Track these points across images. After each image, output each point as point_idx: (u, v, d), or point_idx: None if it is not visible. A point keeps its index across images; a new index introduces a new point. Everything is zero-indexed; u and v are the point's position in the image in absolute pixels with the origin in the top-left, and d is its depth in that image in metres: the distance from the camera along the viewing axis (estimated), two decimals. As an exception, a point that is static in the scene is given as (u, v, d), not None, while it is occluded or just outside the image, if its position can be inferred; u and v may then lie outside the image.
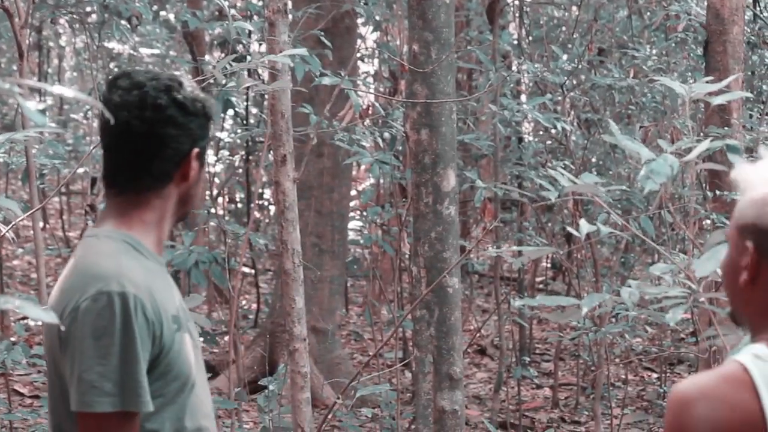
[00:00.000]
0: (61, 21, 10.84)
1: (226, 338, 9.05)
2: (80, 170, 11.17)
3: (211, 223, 9.13)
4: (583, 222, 2.78)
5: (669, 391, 2.08)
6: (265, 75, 5.66)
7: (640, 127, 8.50)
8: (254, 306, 10.98)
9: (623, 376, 9.04)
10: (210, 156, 11.81)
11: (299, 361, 4.27)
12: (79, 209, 14.90)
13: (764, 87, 9.43)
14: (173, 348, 2.40)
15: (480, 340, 10.31)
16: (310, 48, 6.03)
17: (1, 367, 5.66)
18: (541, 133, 10.49)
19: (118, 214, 2.48)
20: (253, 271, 11.36)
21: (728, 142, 3.01)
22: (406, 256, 7.06)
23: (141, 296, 2.33)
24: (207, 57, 9.55)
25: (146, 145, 2.43)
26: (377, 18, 9.04)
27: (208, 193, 10.96)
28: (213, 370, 8.39)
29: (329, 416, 5.56)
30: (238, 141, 11.44)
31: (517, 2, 9.58)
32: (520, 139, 10.04)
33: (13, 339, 7.87)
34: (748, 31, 8.49)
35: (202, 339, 8.78)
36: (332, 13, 8.01)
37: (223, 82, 3.66)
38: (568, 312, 2.70)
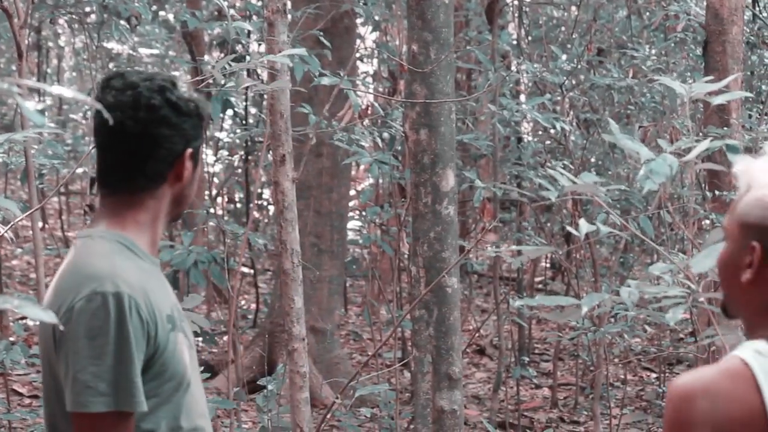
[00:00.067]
0: (60, 21, 10.84)
1: (225, 338, 9.05)
2: (79, 170, 11.18)
3: (210, 223, 9.13)
4: (582, 222, 2.78)
5: (669, 385, 2.08)
6: (264, 75, 5.66)
7: (639, 127, 8.50)
8: (253, 306, 10.98)
9: (622, 376, 9.05)
10: (209, 156, 11.82)
11: (298, 360, 4.27)
12: (78, 209, 14.91)
13: (763, 87, 9.43)
14: (168, 348, 2.40)
15: (479, 340, 10.31)
16: (309, 48, 6.03)
17: (0, 367, 5.66)
18: (540, 133, 10.49)
19: (112, 214, 2.48)
20: (252, 271, 11.36)
21: (727, 142, 3.02)
22: (405, 256, 7.06)
23: (135, 296, 2.33)
24: (206, 57, 9.55)
25: (140, 145, 2.43)
26: (376, 18, 9.04)
27: (207, 192, 10.96)
28: (212, 369, 8.38)
29: (328, 416, 5.56)
30: (237, 141, 11.44)
31: (516, 2, 9.58)
32: (519, 139, 10.05)
33: (12, 339, 7.87)
34: (747, 31, 8.50)
35: (201, 339, 8.82)
36: (331, 13, 8.01)
37: (222, 82, 3.66)
38: (567, 312, 2.70)
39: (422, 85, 5.05)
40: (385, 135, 7.25)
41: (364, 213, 9.30)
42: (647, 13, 9.91)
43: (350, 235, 10.11)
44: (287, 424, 5.55)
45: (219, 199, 12.61)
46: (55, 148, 6.63)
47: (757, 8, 9.20)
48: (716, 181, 6.46)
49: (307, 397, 4.32)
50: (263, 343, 8.46)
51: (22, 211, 3.92)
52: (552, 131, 8.60)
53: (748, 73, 8.98)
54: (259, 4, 7.91)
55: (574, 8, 10.47)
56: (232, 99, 6.24)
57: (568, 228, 3.38)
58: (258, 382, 6.32)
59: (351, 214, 10.15)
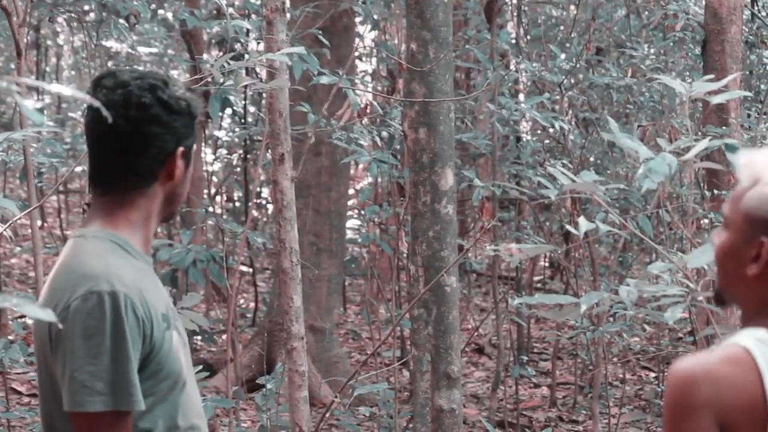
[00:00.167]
0: (59, 20, 10.83)
1: (224, 337, 9.05)
2: (78, 169, 11.16)
3: (209, 222, 9.14)
4: (582, 220, 2.78)
5: (670, 368, 2.09)
6: (263, 74, 5.66)
7: (638, 126, 8.50)
8: (252, 305, 10.98)
9: (621, 375, 9.05)
10: (208, 154, 11.82)
11: (297, 359, 4.27)
12: (77, 208, 14.90)
13: (762, 86, 9.44)
14: (163, 346, 2.40)
15: (478, 339, 10.31)
16: (308, 47, 6.03)
17: (-1, 366, 5.66)
18: (539, 132, 10.48)
19: (105, 213, 2.48)
20: (251, 270, 11.36)
21: (726, 141, 3.02)
22: (404, 255, 7.05)
23: (131, 295, 2.33)
24: (205, 56, 9.53)
25: (131, 143, 2.43)
26: (375, 17, 9.04)
27: (206, 191, 10.96)
28: (211, 368, 8.38)
29: (327, 415, 5.56)
30: (236, 140, 11.44)
31: (515, 1, 9.58)
32: (518, 138, 10.04)
33: (10, 337, 7.87)
34: (746, 30, 8.50)
35: (199, 337, 8.82)
36: (330, 11, 8.01)
37: (221, 80, 3.66)
38: (566, 310, 2.70)
39: (421, 84, 5.05)
40: (384, 134, 7.25)
41: (362, 212, 9.30)
42: (646, 13, 9.91)
43: (349, 234, 10.11)
44: (286, 422, 5.55)
45: (218, 198, 12.61)
46: (54, 147, 6.63)
47: (756, 8, 9.20)
48: (715, 180, 6.47)
49: (306, 396, 4.32)
50: (262, 342, 8.46)
51: (21, 209, 3.92)
52: (551, 130, 8.60)
53: (747, 72, 8.99)
54: (258, 2, 7.90)
55: (572, 7, 10.47)
56: (231, 98, 6.24)
57: (568, 227, 3.38)
58: (257, 381, 6.32)
59: (350, 212, 10.15)
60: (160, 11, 11.60)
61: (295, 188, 4.36)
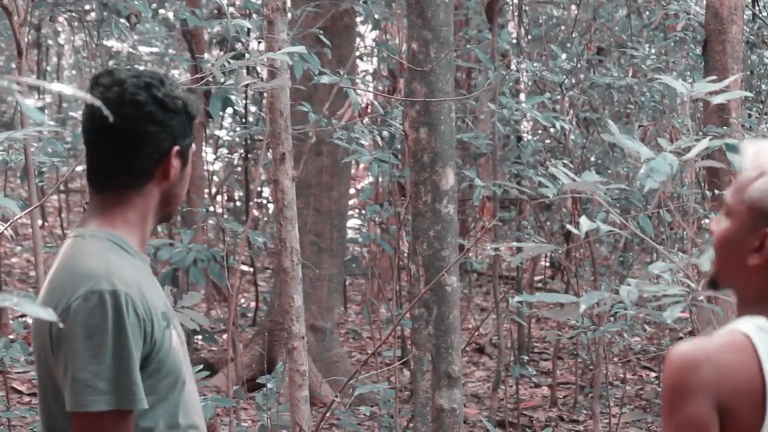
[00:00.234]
0: (60, 19, 10.83)
1: (225, 336, 9.05)
2: (79, 168, 11.16)
3: (210, 221, 9.14)
4: (583, 219, 2.78)
5: (670, 351, 2.10)
6: (264, 73, 5.66)
7: (639, 126, 8.50)
8: (253, 304, 10.98)
9: (622, 375, 9.05)
10: (209, 154, 11.81)
11: (297, 359, 4.27)
12: (77, 207, 14.91)
13: (763, 86, 9.44)
14: (164, 345, 2.40)
15: (478, 339, 10.31)
16: (309, 46, 6.03)
17: (0, 365, 5.65)
18: (539, 132, 10.49)
19: (101, 212, 2.48)
20: (251, 270, 11.36)
21: (727, 141, 3.01)
22: (405, 254, 7.05)
23: (132, 294, 2.33)
24: (206, 55, 9.54)
25: (125, 142, 2.43)
26: (376, 16, 9.04)
27: (207, 191, 10.96)
28: (211, 368, 8.38)
29: (327, 414, 5.56)
30: (237, 139, 11.44)
31: (516, 1, 9.58)
32: (519, 138, 10.04)
33: (11, 336, 7.87)
34: (747, 30, 8.50)
35: (200, 337, 8.82)
36: (331, 11, 8.01)
37: (222, 80, 3.66)
38: (567, 309, 2.70)
39: (422, 84, 5.04)
40: (385, 133, 7.25)
41: (363, 211, 9.30)
42: (647, 12, 9.91)
43: (350, 234, 10.11)
44: (287, 422, 5.55)
45: (219, 198, 12.61)
46: (55, 146, 6.63)
47: (757, 8, 9.20)
48: (716, 180, 6.46)
49: (307, 396, 4.32)
50: (263, 342, 8.46)
51: (22, 208, 3.92)
52: (552, 130, 8.60)
53: (748, 72, 8.99)
54: (259, 2, 7.90)
55: (573, 7, 10.46)
56: (232, 97, 6.24)
57: (569, 227, 3.37)
58: (257, 381, 6.32)
59: (351, 212, 10.15)
60: (161, 11, 11.61)
61: (295, 188, 4.36)
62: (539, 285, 12.04)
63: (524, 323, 9.38)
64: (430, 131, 5.05)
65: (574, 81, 8.69)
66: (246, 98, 10.76)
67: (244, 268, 11.16)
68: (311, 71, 5.66)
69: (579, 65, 8.44)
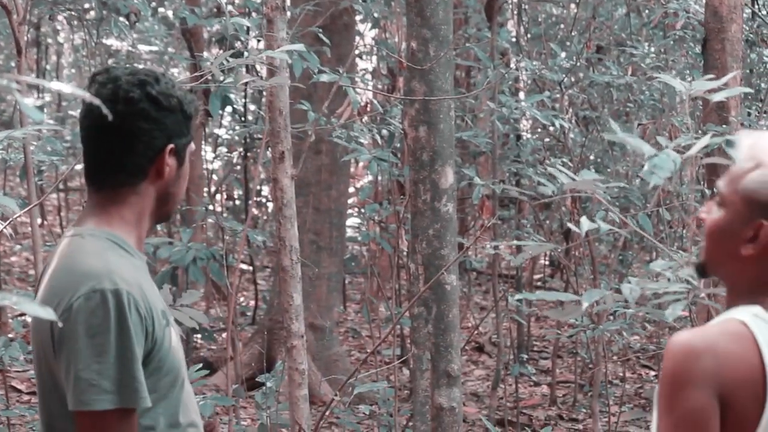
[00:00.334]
0: (60, 18, 10.82)
1: (224, 335, 9.05)
2: (78, 167, 11.14)
3: (209, 220, 9.12)
4: (584, 219, 2.78)
5: (669, 341, 2.10)
6: (264, 72, 5.66)
7: (638, 124, 8.50)
8: (252, 303, 10.98)
9: (621, 374, 9.05)
10: (208, 152, 11.81)
11: (297, 358, 4.27)
12: (77, 206, 14.90)
13: (762, 85, 9.44)
14: (164, 343, 2.40)
15: (478, 338, 10.31)
16: (309, 45, 6.02)
17: (-1, 364, 5.65)
18: (539, 130, 10.48)
19: (98, 211, 2.48)
20: (251, 268, 11.36)
21: (728, 138, 3.01)
22: (404, 253, 7.05)
23: (133, 293, 2.33)
24: (205, 54, 9.53)
25: (119, 139, 2.43)
26: (375, 15, 9.03)
27: (206, 189, 10.96)
28: (210, 366, 8.38)
29: (327, 413, 5.56)
30: (236, 138, 11.43)
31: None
32: (519, 137, 10.04)
33: (10, 335, 7.87)
34: (747, 29, 8.50)
35: (199, 336, 8.81)
36: (330, 10, 8.01)
37: (221, 78, 3.65)
38: (568, 309, 2.70)
39: (421, 83, 5.04)
40: (384, 132, 7.24)
41: (363, 210, 9.30)
42: (646, 11, 9.91)
43: (349, 232, 10.10)
44: (286, 421, 5.55)
45: (218, 196, 12.61)
46: (54, 145, 6.63)
47: (756, 6, 9.20)
48: (715, 178, 6.45)
49: (306, 394, 4.32)
50: (262, 340, 8.46)
51: (21, 207, 3.92)
52: (551, 129, 8.60)
53: (747, 71, 8.99)
54: (258, 0, 7.90)
55: (573, 6, 10.47)
56: (231, 96, 6.24)
57: (569, 225, 3.37)
58: (257, 379, 6.32)
59: (350, 211, 10.15)
60: (161, 9, 11.61)
61: (295, 186, 4.36)
62: (539, 283, 12.04)
63: (524, 322, 9.38)
64: (430, 130, 5.05)
65: (573, 79, 8.69)
66: (245, 97, 10.76)
67: (244, 266, 11.16)
68: (310, 70, 5.65)
69: (578, 64, 8.44)
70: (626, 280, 2.83)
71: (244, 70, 4.69)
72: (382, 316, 8.86)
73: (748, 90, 2.88)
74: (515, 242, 3.00)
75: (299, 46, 3.84)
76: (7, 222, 3.83)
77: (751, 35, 8.91)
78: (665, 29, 8.98)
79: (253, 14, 8.59)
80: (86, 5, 9.57)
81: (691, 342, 2.09)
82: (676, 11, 8.03)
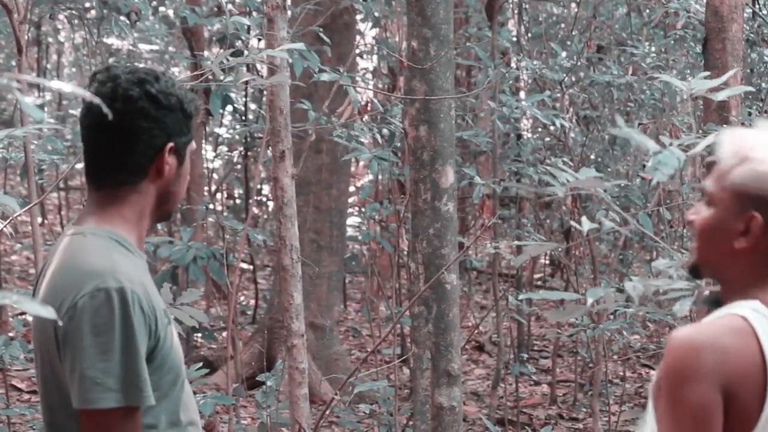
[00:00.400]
0: (60, 17, 10.83)
1: (224, 334, 9.05)
2: (78, 165, 11.15)
3: (210, 219, 9.13)
4: (584, 219, 2.78)
5: (670, 337, 2.11)
6: (264, 71, 5.65)
7: (639, 124, 8.49)
8: (252, 302, 10.97)
9: (621, 373, 9.05)
10: (208, 151, 11.81)
11: (297, 357, 4.27)
12: (77, 205, 14.90)
13: (763, 84, 9.43)
14: (166, 341, 2.41)
15: (478, 337, 10.31)
16: (309, 44, 6.02)
17: (-1, 363, 5.66)
18: (539, 130, 10.48)
19: (99, 210, 2.48)
20: (251, 267, 11.36)
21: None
22: (405, 252, 7.05)
23: (137, 291, 2.33)
24: (206, 53, 9.53)
25: (118, 137, 2.43)
26: (376, 14, 9.03)
27: (206, 188, 10.96)
28: (211, 365, 8.38)
29: (327, 412, 5.56)
30: (237, 137, 11.43)
31: (516, -1, 9.58)
32: (519, 136, 10.04)
33: (11, 334, 7.87)
34: (747, 28, 8.49)
35: (200, 334, 8.82)
36: (331, 9, 8.01)
37: (221, 77, 3.65)
38: (568, 309, 2.70)
39: (422, 82, 5.04)
40: (385, 131, 7.25)
41: (363, 209, 9.30)
42: (647, 11, 9.90)
43: (349, 232, 10.11)
44: (286, 420, 5.55)
45: (218, 195, 12.61)
46: (55, 144, 6.63)
47: (757, 6, 9.19)
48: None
49: (306, 393, 4.32)
50: (262, 339, 8.46)
51: (22, 206, 3.92)
52: (551, 128, 8.60)
53: (748, 70, 8.98)
54: (259, 0, 7.90)
55: (573, 5, 10.47)
56: (232, 95, 6.24)
57: (572, 223, 3.37)
58: (257, 378, 6.32)
59: (350, 210, 10.15)
60: (161, 8, 11.60)
61: (295, 185, 4.36)
62: (539, 283, 12.03)
63: (524, 321, 9.38)
64: (430, 129, 5.05)
65: (574, 79, 8.69)
66: (246, 96, 10.76)
67: (244, 265, 11.16)
68: (311, 69, 5.65)
69: (579, 63, 8.43)
70: (627, 280, 2.83)
71: (244, 69, 4.69)
72: (383, 315, 8.86)
73: (749, 89, 2.88)
74: (516, 242, 3.00)
75: (300, 45, 3.85)
76: (8, 221, 3.84)
77: (752, 35, 8.90)
78: (666, 29, 8.97)
79: (254, 13, 8.58)
80: (87, 4, 9.57)
81: (692, 337, 2.09)
82: (677, 11, 8.02)
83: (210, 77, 3.88)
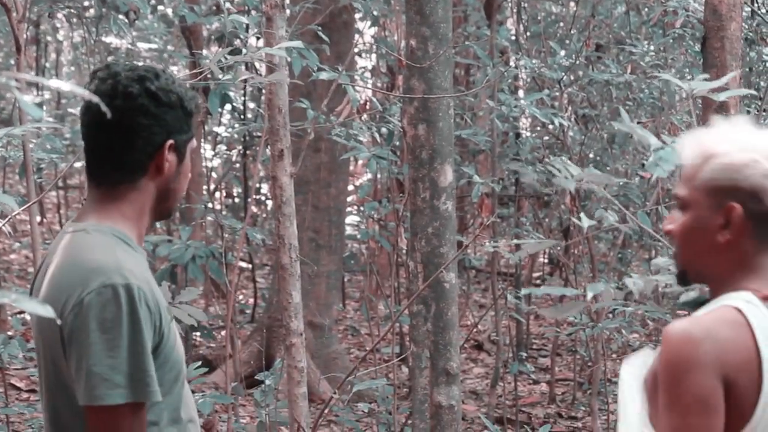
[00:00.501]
0: (59, 15, 10.82)
1: (223, 333, 9.05)
2: (77, 164, 11.15)
3: (209, 218, 9.13)
4: (584, 216, 2.78)
5: (666, 330, 2.11)
6: (263, 70, 5.65)
7: (638, 122, 8.49)
8: (251, 301, 10.98)
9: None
10: (207, 150, 11.80)
11: (296, 355, 4.27)
12: (76, 203, 14.89)
13: (762, 83, 9.43)
14: (170, 338, 2.41)
15: (477, 336, 10.31)
16: (308, 43, 6.02)
17: (-2, 362, 5.65)
18: (538, 128, 10.48)
19: (99, 207, 2.48)
20: (250, 266, 11.36)
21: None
22: (403, 251, 7.06)
23: (143, 287, 2.34)
24: (204, 51, 9.53)
25: (118, 134, 2.43)
26: (375, 13, 9.03)
27: (205, 187, 10.95)
28: (210, 364, 8.38)
29: (326, 411, 5.56)
30: (236, 136, 11.43)
31: (514, -3, 9.57)
32: (518, 135, 10.04)
33: (9, 333, 7.87)
34: (746, 27, 8.49)
35: (198, 333, 8.82)
36: (330, 8, 8.00)
37: (220, 76, 3.65)
38: (566, 306, 2.70)
39: (420, 81, 5.04)
40: (384, 130, 7.24)
41: (362, 208, 9.30)
42: (646, 9, 9.90)
43: (348, 230, 10.11)
44: (285, 418, 5.55)
45: (217, 194, 12.60)
46: (54, 143, 6.63)
47: (756, 4, 9.19)
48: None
49: (305, 392, 4.32)
50: (261, 338, 8.46)
51: (20, 204, 3.92)
52: (550, 127, 8.60)
53: (747, 69, 8.98)
54: (258, -2, 7.90)
55: (572, 4, 10.46)
56: (231, 94, 6.23)
57: (574, 219, 3.37)
58: (256, 377, 6.32)
59: (349, 209, 10.15)
60: (160, 7, 11.59)
61: (294, 184, 4.36)
62: (538, 281, 12.04)
63: (523, 320, 9.38)
64: (429, 128, 5.05)
65: (572, 78, 8.69)
66: (244, 95, 10.75)
67: (243, 264, 11.16)
68: (310, 67, 5.65)
69: (578, 62, 8.43)
70: (626, 278, 2.83)
71: (243, 67, 4.69)
72: (381, 314, 8.86)
73: (749, 92, 2.88)
74: (515, 241, 3.00)
75: (298, 44, 3.84)
76: (7, 219, 3.83)
77: (751, 33, 8.90)
78: (664, 27, 8.97)
79: (253, 12, 8.58)
80: (86, 3, 9.57)
81: (689, 329, 2.10)
82: (676, 9, 8.02)
83: (209, 76, 3.88)
